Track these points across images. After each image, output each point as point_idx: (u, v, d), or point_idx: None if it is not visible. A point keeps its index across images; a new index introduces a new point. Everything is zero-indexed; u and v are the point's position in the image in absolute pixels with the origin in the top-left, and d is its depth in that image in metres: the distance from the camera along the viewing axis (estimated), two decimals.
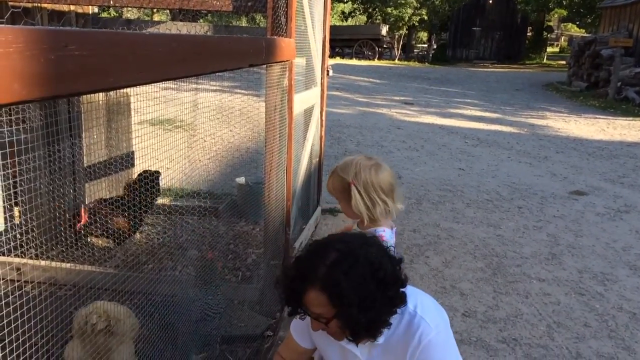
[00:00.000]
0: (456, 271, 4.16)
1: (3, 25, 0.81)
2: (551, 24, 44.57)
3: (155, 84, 1.82)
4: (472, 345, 3.18)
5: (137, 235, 4.20)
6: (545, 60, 36.09)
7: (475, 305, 3.66)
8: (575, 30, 46.51)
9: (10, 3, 3.44)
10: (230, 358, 2.87)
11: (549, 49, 41.62)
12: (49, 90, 0.91)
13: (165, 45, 1.37)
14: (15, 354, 1.69)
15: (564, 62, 29.72)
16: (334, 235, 1.63)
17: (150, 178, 3.40)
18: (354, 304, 1.39)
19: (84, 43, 0.99)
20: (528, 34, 37.64)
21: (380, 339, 1.56)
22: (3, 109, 3.13)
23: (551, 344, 3.24)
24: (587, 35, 28.22)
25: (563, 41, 47.59)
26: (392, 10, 34.08)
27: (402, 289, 1.52)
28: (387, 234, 2.15)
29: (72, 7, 3.87)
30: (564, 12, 37.65)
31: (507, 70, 28.89)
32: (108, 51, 1.09)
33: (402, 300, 1.51)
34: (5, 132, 3.12)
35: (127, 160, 3.85)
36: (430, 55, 34.62)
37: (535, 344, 3.23)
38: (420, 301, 1.61)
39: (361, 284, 1.40)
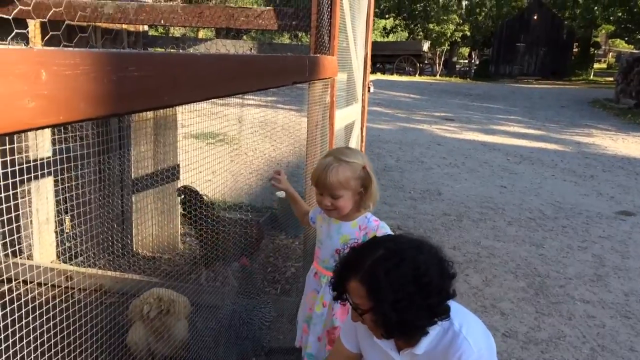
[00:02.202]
0: (497, 290, 4.10)
1: (72, 49, 0.88)
2: (598, 39, 43.58)
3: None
4: None
5: (181, 246, 4.31)
6: (592, 77, 35.24)
7: (516, 326, 3.59)
8: (623, 46, 45.34)
9: (68, 22, 3.62)
10: None
11: (596, 66, 40.65)
12: (110, 109, 0.98)
13: (215, 65, 1.44)
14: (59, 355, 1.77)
15: (611, 79, 28.95)
16: (391, 235, 1.66)
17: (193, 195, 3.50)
18: (388, 301, 1.44)
19: (143, 64, 1.05)
20: (574, 49, 36.86)
21: (420, 349, 1.56)
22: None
23: None
24: (636, 51, 27.45)
25: (610, 57, 46.48)
26: (434, 27, 34.04)
27: (446, 302, 1.52)
28: (378, 220, 2.15)
29: (125, 26, 4.05)
30: (612, 28, 36.76)
31: (552, 86, 28.33)
32: (164, 72, 1.16)
33: (444, 312, 1.51)
34: (63, 147, 3.28)
35: (173, 172, 3.97)
36: (473, 71, 34.34)
37: None
38: (467, 322, 1.59)
39: (401, 284, 1.44)
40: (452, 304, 1.61)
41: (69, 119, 0.86)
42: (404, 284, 1.44)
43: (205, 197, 3.51)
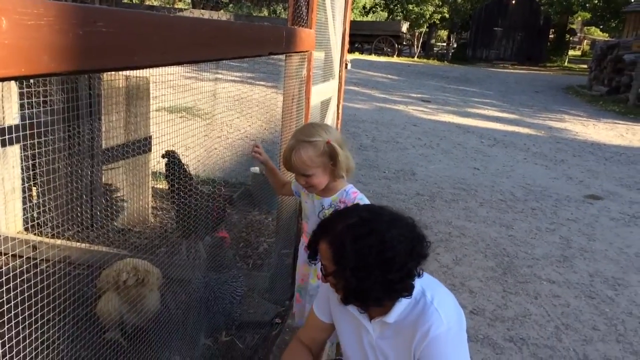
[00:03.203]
0: (466, 269, 4.16)
1: None
2: (574, 26, 44.02)
3: (176, 71, 1.85)
4: (479, 343, 3.19)
5: (152, 220, 4.26)
6: (566, 64, 35.67)
7: (484, 304, 3.66)
8: (598, 34, 45.97)
9: None
10: (238, 343, 2.90)
11: (571, 52, 41.11)
12: (76, 64, 0.93)
13: (189, 28, 1.39)
14: (22, 325, 1.73)
15: (585, 66, 29.38)
16: (373, 206, 1.64)
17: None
18: (349, 267, 1.47)
19: (111, 21, 1.01)
20: (550, 36, 37.18)
21: (391, 318, 1.57)
22: (31, 88, 3.19)
23: (558, 345, 3.24)
24: (610, 39, 27.84)
25: (585, 45, 47.08)
26: (413, 7, 33.93)
27: (409, 280, 1.52)
28: (357, 192, 2.18)
29: None
30: (588, 16, 37.21)
31: (527, 71, 28.62)
32: (134, 30, 1.11)
33: (405, 289, 1.53)
34: (33, 113, 3.18)
35: (145, 144, 3.89)
36: (450, 54, 34.44)
37: (543, 344, 3.23)
38: (439, 295, 1.60)
39: (363, 254, 1.46)
40: (426, 277, 1.62)
41: (31, 72, 0.82)
42: (366, 254, 1.46)
43: (186, 168, 3.46)
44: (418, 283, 1.57)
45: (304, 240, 2.41)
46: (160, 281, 2.80)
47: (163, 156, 3.44)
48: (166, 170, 3.50)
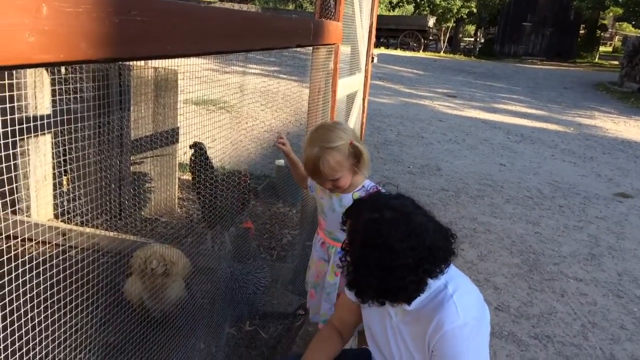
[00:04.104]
0: (491, 265, 4.13)
1: None
2: (605, 22, 43.05)
3: (202, 63, 1.87)
4: (504, 339, 3.17)
5: (178, 210, 4.32)
6: (597, 60, 34.91)
7: (509, 300, 3.63)
8: (630, 30, 44.79)
9: None
10: (262, 333, 2.93)
11: (602, 48, 40.23)
12: (112, 52, 0.96)
13: (219, 19, 1.41)
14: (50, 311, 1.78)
15: (616, 62, 28.71)
16: (409, 207, 1.56)
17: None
18: (353, 258, 1.52)
19: (145, 10, 1.03)
20: (581, 31, 36.42)
21: (411, 305, 1.57)
22: (62, 76, 3.25)
23: (585, 343, 3.20)
24: None
25: (617, 41, 45.98)
26: (440, 2, 33.53)
27: (401, 283, 1.48)
28: (375, 186, 2.19)
29: None
30: (620, 11, 36.25)
31: (556, 67, 28.11)
32: (167, 20, 1.14)
33: (395, 290, 1.50)
34: (58, 102, 3.25)
35: (172, 135, 3.94)
36: (477, 49, 33.97)
37: (569, 342, 3.19)
38: (462, 289, 1.58)
39: (366, 255, 1.48)
40: (452, 270, 1.60)
41: (69, 58, 0.84)
42: (368, 255, 1.47)
43: (211, 160, 3.51)
44: (442, 276, 1.56)
45: (321, 237, 2.40)
46: (186, 270, 2.84)
47: (191, 147, 3.49)
48: (191, 162, 3.54)
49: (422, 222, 1.52)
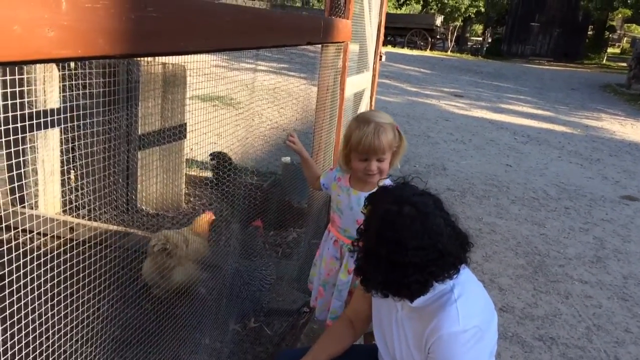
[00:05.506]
0: (496, 266, 4.13)
1: None
2: (614, 23, 42.85)
3: (210, 59, 1.88)
4: (508, 340, 3.17)
5: (184, 205, 4.33)
6: (604, 61, 34.72)
7: (514, 301, 3.62)
8: (638, 32, 44.62)
9: None
10: (267, 330, 2.94)
11: (610, 50, 40.00)
12: (128, 48, 0.96)
13: (232, 16, 1.42)
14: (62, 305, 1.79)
15: (624, 64, 28.56)
16: (429, 206, 1.54)
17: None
18: (365, 244, 1.55)
19: (161, 6, 1.04)
20: (589, 32, 36.23)
21: (412, 304, 1.56)
22: (71, 71, 3.26)
23: (589, 346, 3.19)
24: None
25: (625, 42, 45.75)
26: (448, 1, 33.45)
27: (402, 281, 1.47)
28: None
29: None
30: (629, 12, 36.09)
31: (563, 68, 28.00)
32: (181, 16, 1.14)
33: (399, 285, 1.49)
34: (67, 96, 3.26)
35: (180, 131, 3.95)
36: (484, 48, 33.85)
37: (573, 344, 3.19)
38: (468, 294, 1.55)
39: (378, 244, 1.48)
40: (465, 274, 1.59)
41: (86, 54, 0.85)
42: (379, 244, 1.47)
43: (234, 162, 3.54)
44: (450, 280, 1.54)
45: (334, 234, 2.36)
46: (197, 256, 2.94)
47: (212, 159, 3.52)
48: (213, 174, 3.57)
49: (439, 224, 1.49)
